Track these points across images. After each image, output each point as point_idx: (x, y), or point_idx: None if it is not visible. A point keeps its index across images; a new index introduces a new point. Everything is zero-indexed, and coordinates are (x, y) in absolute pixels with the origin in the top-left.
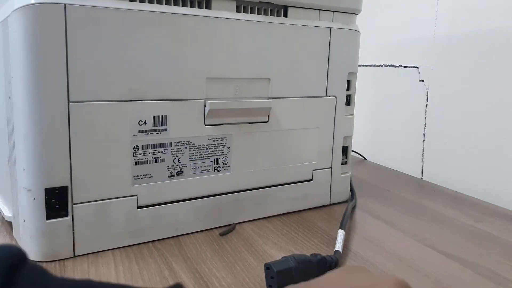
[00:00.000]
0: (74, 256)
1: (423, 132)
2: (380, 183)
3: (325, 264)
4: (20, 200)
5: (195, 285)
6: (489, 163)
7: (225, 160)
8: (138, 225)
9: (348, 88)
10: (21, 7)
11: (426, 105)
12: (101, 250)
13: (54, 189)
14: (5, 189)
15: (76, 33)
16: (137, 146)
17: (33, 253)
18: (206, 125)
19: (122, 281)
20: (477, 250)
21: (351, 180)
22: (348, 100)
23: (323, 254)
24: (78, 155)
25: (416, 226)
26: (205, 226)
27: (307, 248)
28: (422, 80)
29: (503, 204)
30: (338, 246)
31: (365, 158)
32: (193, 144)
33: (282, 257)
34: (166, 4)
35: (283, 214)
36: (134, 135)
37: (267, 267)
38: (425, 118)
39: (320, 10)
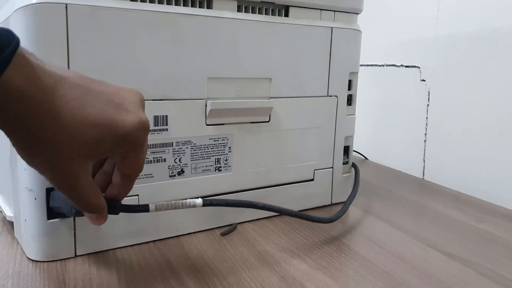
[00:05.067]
0: (75, 256)
1: (424, 132)
2: (381, 183)
3: None
4: (22, 200)
5: (196, 285)
6: (491, 163)
7: (226, 160)
8: (139, 225)
9: (349, 88)
10: (22, 7)
11: (428, 105)
12: (102, 250)
13: (55, 188)
14: (6, 189)
15: (77, 33)
16: None
17: (34, 253)
18: (207, 125)
19: (123, 281)
20: (479, 251)
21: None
22: (350, 100)
23: None
24: None
25: (417, 226)
26: (206, 226)
27: (308, 247)
28: (424, 80)
29: (505, 204)
30: None
31: (366, 158)
32: (194, 144)
33: None
34: (167, 4)
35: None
36: None
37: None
38: (427, 118)
39: (321, 9)
